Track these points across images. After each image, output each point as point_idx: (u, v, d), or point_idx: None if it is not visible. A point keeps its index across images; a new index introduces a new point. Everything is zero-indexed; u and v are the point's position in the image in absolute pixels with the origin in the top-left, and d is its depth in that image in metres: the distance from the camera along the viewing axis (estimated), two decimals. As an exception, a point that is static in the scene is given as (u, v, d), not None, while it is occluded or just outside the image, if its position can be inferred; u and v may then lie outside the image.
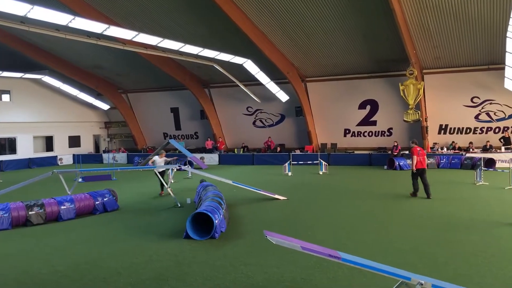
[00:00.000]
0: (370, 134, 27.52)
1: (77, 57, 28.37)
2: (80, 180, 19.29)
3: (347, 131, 28.11)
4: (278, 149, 28.97)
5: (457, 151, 24.38)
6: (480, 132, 24.81)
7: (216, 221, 9.30)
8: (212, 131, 31.23)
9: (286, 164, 21.80)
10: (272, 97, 28.13)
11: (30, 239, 9.80)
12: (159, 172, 15.43)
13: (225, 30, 22.22)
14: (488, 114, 24.37)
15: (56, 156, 31.17)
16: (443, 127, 25.69)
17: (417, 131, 25.60)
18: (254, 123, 30.84)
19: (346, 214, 11.74)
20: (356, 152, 27.10)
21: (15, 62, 28.74)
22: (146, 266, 7.63)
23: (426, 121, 24.90)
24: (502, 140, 23.75)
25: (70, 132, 33.43)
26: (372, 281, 6.48)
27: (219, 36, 23.05)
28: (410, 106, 23.50)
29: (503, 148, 23.26)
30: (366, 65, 24.94)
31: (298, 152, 27.78)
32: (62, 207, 11.78)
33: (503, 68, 21.16)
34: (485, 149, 23.72)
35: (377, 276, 5.57)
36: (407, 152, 24.99)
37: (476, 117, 24.66)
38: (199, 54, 21.25)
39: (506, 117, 24.00)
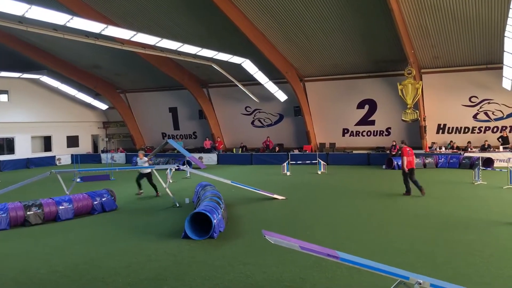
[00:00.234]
0: (369, 133, 27.54)
1: (76, 57, 28.34)
2: (78, 180, 19.27)
3: (346, 131, 28.13)
4: (277, 148, 28.98)
5: (455, 150, 24.42)
6: (478, 131, 24.86)
7: (215, 221, 9.30)
8: (210, 131, 31.22)
9: (285, 164, 21.81)
10: (271, 97, 28.12)
11: (28, 239, 9.79)
12: (144, 174, 15.45)
13: (223, 30, 22.21)
14: (486, 114, 24.41)
15: (55, 156, 31.13)
16: (442, 126, 25.73)
17: (416, 130, 25.64)
18: (252, 123, 30.84)
19: (344, 214, 11.75)
20: (354, 151, 27.12)
21: (13, 62, 28.69)
22: (144, 266, 7.62)
23: (424, 120, 24.93)
24: (500, 139, 23.79)
25: (68, 132, 33.40)
26: (371, 281, 6.49)
27: (218, 35, 23.05)
28: (408, 106, 23.52)
29: (501, 147, 23.31)
30: (365, 64, 24.96)
31: (296, 151, 27.79)
32: (60, 207, 11.76)
33: (501, 68, 21.19)
34: (483, 148, 23.77)
35: (375, 276, 5.57)
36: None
37: (474, 116, 24.70)
38: (198, 54, 21.23)
39: (504, 116, 24.05)
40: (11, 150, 29.64)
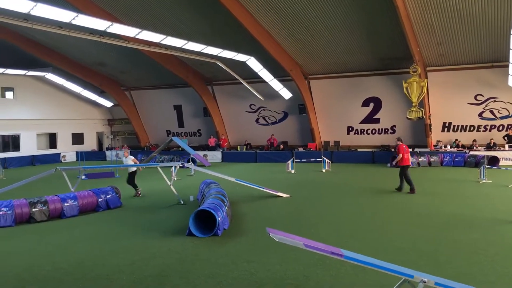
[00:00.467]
0: (374, 131, 27.48)
1: (81, 54, 28.41)
2: (83, 177, 19.31)
3: (350, 129, 28.07)
4: (281, 146, 28.96)
5: (460, 149, 24.32)
6: (484, 130, 24.74)
7: (219, 219, 9.31)
8: (215, 128, 31.24)
9: (289, 161, 21.79)
10: (275, 95, 28.10)
11: (33, 236, 9.84)
12: (130, 173, 15.30)
13: (228, 28, 22.21)
14: (492, 112, 24.28)
15: (60, 153, 31.24)
16: (447, 124, 25.63)
17: (421, 128, 25.55)
18: (257, 120, 30.83)
19: (348, 212, 11.73)
20: (359, 149, 27.06)
21: (19, 60, 28.80)
22: (149, 263, 7.64)
23: (429, 118, 24.84)
24: (506, 138, 23.66)
25: (73, 129, 33.51)
26: (375, 279, 6.47)
27: (222, 33, 23.04)
28: (413, 104, 23.45)
29: (506, 146, 23.18)
30: (370, 62, 24.89)
31: (301, 149, 27.75)
32: (66, 204, 11.81)
33: (507, 66, 21.08)
34: (488, 147, 23.65)
35: (379, 274, 5.57)
36: (410, 149, 24.92)
37: (480, 114, 24.58)
38: (202, 51, 21.23)
39: (510, 114, 23.92)
40: (16, 147, 29.77)
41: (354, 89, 26.82)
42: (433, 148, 25.02)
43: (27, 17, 15.56)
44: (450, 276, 5.81)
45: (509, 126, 23.99)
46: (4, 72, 26.99)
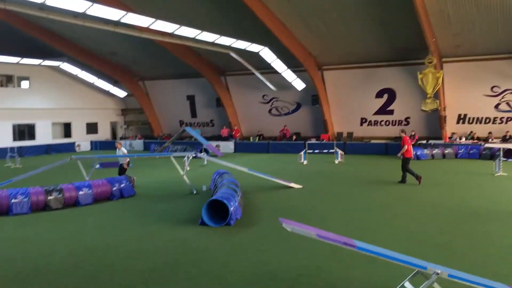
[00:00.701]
0: (387, 123, 27.27)
1: (95, 44, 28.54)
2: (97, 166, 19.49)
3: (364, 120, 27.90)
4: (294, 137, 28.91)
5: (475, 141, 24.04)
6: (500, 122, 24.39)
7: (232, 208, 9.35)
8: (227, 119, 31.27)
9: (302, 152, 21.74)
10: (288, 86, 28.00)
11: (49, 223, 9.99)
12: (122, 164, 15.17)
13: (241, 17, 22.10)
14: (508, 104, 23.92)
15: (74, 142, 31.56)
16: (462, 116, 25.31)
17: (435, 120, 25.29)
18: (270, 111, 30.78)
19: (361, 203, 11.69)
20: (372, 141, 26.90)
21: (34, 49, 29.04)
22: (161, 252, 7.71)
23: (444, 110, 24.55)
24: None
25: (87, 119, 33.80)
26: (387, 270, 6.45)
27: (236, 23, 22.94)
28: (428, 95, 23.20)
29: (523, 138, 22.87)
30: (384, 53, 24.63)
31: (314, 140, 27.68)
32: (80, 192, 11.95)
33: (525, 57, 20.73)
34: (504, 139, 23.34)
35: (392, 265, 5.55)
36: (424, 141, 24.73)
37: (496, 106, 24.23)
38: (216, 41, 21.19)
39: (527, 107, 23.57)
40: (32, 136, 30.14)
41: (368, 80, 26.60)
42: (447, 140, 24.76)
43: (42, 6, 15.67)
44: (464, 268, 5.77)
45: (526, 119, 23.65)
46: (19, 62, 27.28)
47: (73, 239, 8.65)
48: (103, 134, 35.02)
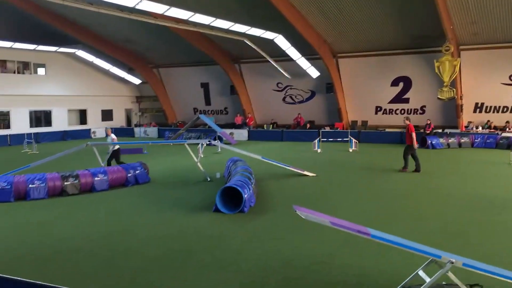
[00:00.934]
0: (402, 111, 27.00)
1: (110, 31, 28.65)
2: (112, 153, 19.66)
3: (379, 109, 27.67)
4: (308, 125, 28.81)
5: (492, 130, 23.71)
6: (518, 111, 24.02)
7: (245, 196, 9.38)
8: (241, 106, 31.26)
9: (316, 141, 21.68)
10: (303, 73, 27.85)
11: (65, 209, 10.14)
12: (113, 152, 14.87)
13: (256, 4, 21.94)
14: (527, 93, 23.53)
15: (90, 129, 31.87)
16: (479, 105, 24.95)
17: (451, 109, 24.96)
18: (284, 99, 30.69)
19: (375, 192, 11.65)
20: (387, 130, 26.69)
21: (50, 36, 29.24)
22: (175, 238, 7.79)
23: (461, 99, 24.23)
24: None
25: (103, 106, 34.08)
26: (401, 259, 6.43)
27: (250, 10, 22.80)
28: (445, 84, 22.90)
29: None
30: (400, 40, 24.31)
31: (328, 129, 27.56)
32: (96, 178, 12.09)
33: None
34: (522, 128, 23.00)
35: (406, 254, 5.54)
36: (440, 130, 24.44)
37: (514, 95, 23.85)
38: (230, 28, 21.11)
39: (546, 96, 23.13)
40: (48, 123, 30.52)
41: (384, 68, 26.32)
42: (464, 129, 24.46)
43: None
44: (478, 258, 5.73)
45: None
46: (36, 49, 27.53)
47: (89, 224, 8.77)
48: (118, 121, 35.29)
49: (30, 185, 11.05)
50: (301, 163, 15.94)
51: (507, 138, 21.36)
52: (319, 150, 21.07)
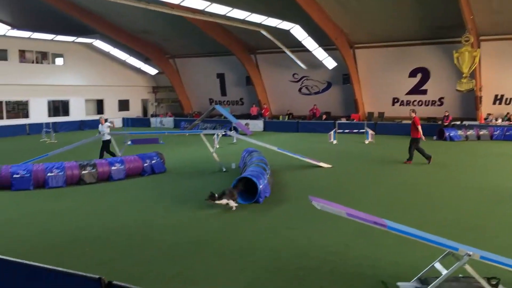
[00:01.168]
0: (420, 103, 26.66)
1: (127, 22, 28.74)
2: (129, 142, 19.81)
3: (396, 100, 27.36)
4: (324, 117, 28.65)
5: (512, 122, 23.32)
6: (539, 103, 23.55)
7: (260, 186, 9.39)
8: (257, 97, 31.19)
9: (332, 132, 21.56)
10: (319, 64, 27.64)
11: (83, 197, 10.28)
12: (105, 141, 14.74)
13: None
14: (548, 85, 23.02)
15: (107, 119, 32.04)
16: (499, 97, 24.49)
17: (470, 101, 24.56)
18: (299, 90, 30.53)
19: (391, 184, 11.57)
20: (404, 121, 26.36)
21: (68, 26, 29.46)
22: (190, 228, 7.85)
23: (480, 90, 23.81)
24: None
25: (119, 96, 34.31)
26: (417, 251, 6.39)
27: (267, 0, 22.64)
28: (464, 75, 22.52)
29: None
30: (419, 31, 23.93)
31: (344, 120, 27.38)
32: (113, 167, 12.23)
33: None
34: (543, 121, 22.55)
35: (422, 246, 5.49)
36: (458, 122, 24.08)
37: (535, 87, 23.37)
38: (246, 19, 21.02)
39: None
40: (66, 112, 30.86)
41: (401, 59, 25.97)
42: (483, 121, 24.08)
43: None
44: (496, 250, 5.66)
45: None
46: (54, 39, 27.80)
47: (106, 213, 8.89)
48: (135, 111, 35.52)
49: (48, 174, 11.24)
50: (317, 155, 15.89)
51: (527, 130, 20.98)
52: (335, 142, 20.97)
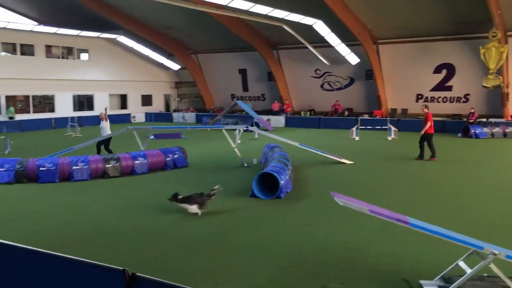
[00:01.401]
0: (445, 100, 26.23)
1: (150, 17, 28.99)
2: (151, 137, 20.01)
3: (420, 96, 26.97)
4: (346, 113, 28.44)
5: (540, 120, 22.75)
6: None
7: (282, 182, 9.40)
8: (279, 93, 31.14)
9: (354, 128, 21.40)
10: (342, 60, 27.43)
11: (107, 190, 10.46)
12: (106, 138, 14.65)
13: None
14: None
15: (130, 113, 32.54)
16: (526, 94, 23.94)
17: (497, 98, 24.03)
18: (322, 86, 30.36)
19: (414, 181, 11.44)
20: (428, 118, 25.97)
21: (92, 22, 29.89)
22: (211, 221, 7.91)
23: (507, 87, 23.28)
24: None
25: (142, 91, 34.69)
26: (440, 249, 6.29)
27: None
28: (490, 71, 22.05)
29: None
30: (444, 26, 23.50)
31: (366, 116, 27.12)
32: (136, 161, 12.40)
33: None
34: None
35: (445, 244, 5.43)
36: (484, 119, 23.60)
37: None
38: (269, 14, 20.98)
39: None
40: (90, 107, 31.37)
41: (426, 54, 25.56)
42: (509, 118, 23.55)
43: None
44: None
45: None
46: (79, 34, 28.24)
47: (129, 205, 9.02)
48: (157, 106, 35.87)
49: (74, 167, 11.46)
50: (339, 151, 15.79)
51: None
52: (357, 138, 20.80)
